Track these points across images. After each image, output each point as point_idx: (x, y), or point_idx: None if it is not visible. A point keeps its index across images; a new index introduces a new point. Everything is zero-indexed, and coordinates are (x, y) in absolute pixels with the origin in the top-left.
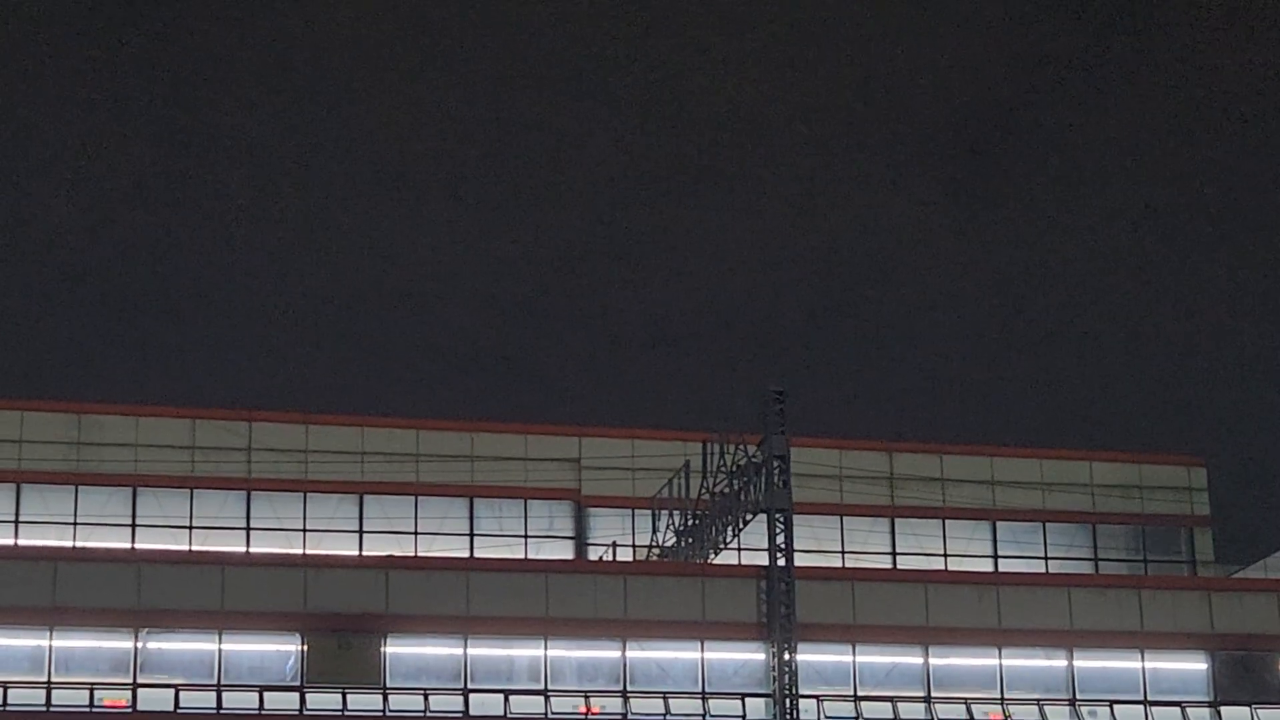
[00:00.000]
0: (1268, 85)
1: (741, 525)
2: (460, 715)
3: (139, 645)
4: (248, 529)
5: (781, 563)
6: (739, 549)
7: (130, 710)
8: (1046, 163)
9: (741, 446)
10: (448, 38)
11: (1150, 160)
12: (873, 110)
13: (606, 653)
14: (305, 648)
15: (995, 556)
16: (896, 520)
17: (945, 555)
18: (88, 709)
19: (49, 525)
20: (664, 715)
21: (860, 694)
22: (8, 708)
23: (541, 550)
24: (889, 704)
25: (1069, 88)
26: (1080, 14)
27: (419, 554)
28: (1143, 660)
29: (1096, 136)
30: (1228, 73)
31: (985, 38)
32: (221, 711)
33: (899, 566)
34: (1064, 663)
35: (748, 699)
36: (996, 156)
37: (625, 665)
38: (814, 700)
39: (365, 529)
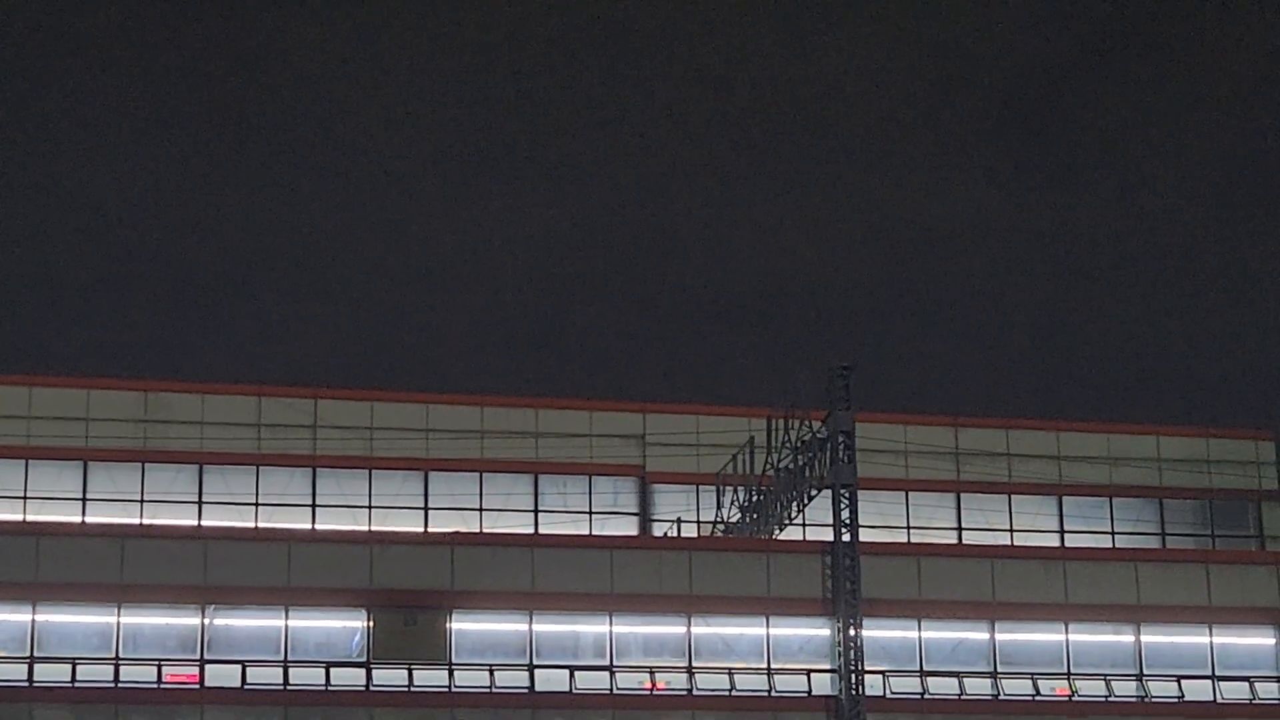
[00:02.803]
0: None
1: (806, 501)
2: (526, 690)
3: (206, 622)
4: (313, 506)
5: (846, 538)
6: (804, 525)
7: (198, 686)
8: (1110, 136)
9: (806, 422)
10: (501, 12)
11: (1215, 131)
12: (941, 79)
13: (671, 628)
14: (371, 624)
15: (1061, 531)
16: (962, 495)
17: (1011, 530)
18: (155, 685)
19: (116, 503)
20: (729, 690)
21: (926, 669)
22: (76, 684)
23: (606, 526)
24: (955, 680)
25: (1131, 61)
26: None
27: (484, 530)
28: (1210, 635)
29: (1159, 109)
30: None
31: (1045, 10)
32: (288, 688)
33: (964, 542)
34: (1131, 638)
35: (813, 674)
36: (1063, 127)
37: (690, 641)
38: (879, 676)
39: (430, 505)
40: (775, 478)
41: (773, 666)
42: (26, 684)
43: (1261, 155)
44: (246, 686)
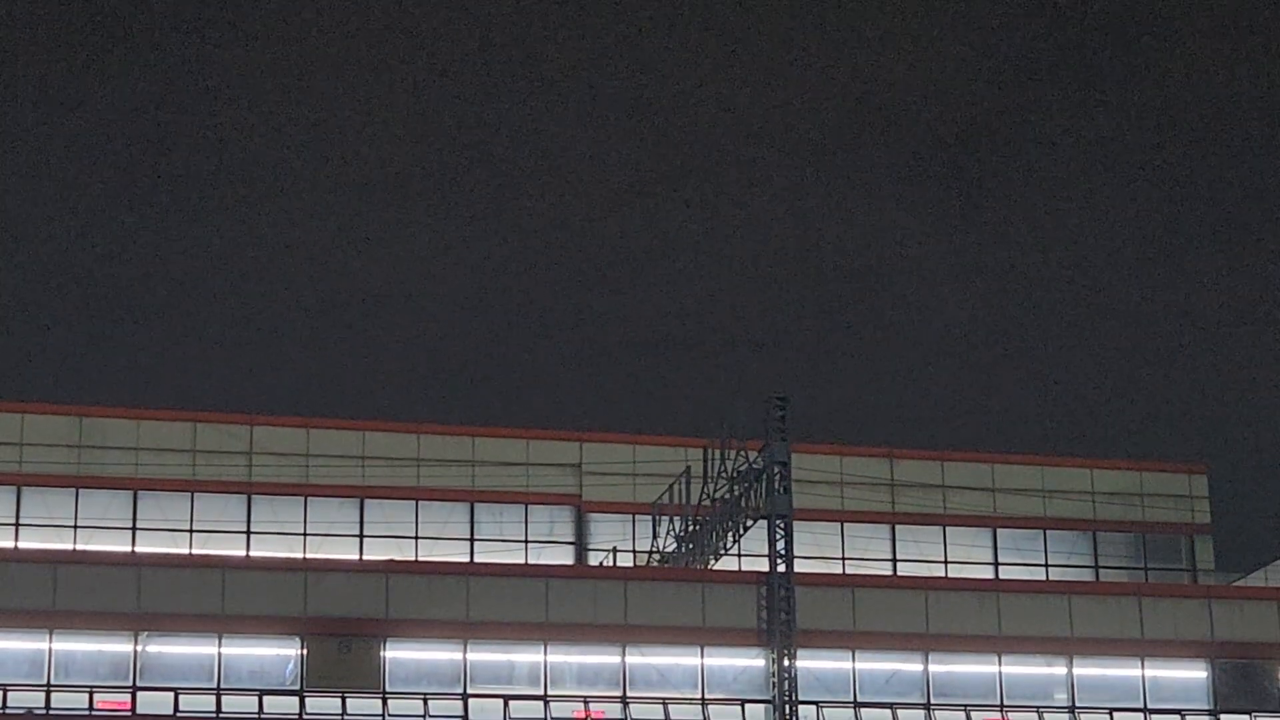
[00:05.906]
0: (1261, 92)
1: (742, 531)
2: (460, 719)
3: (139, 649)
4: (248, 533)
5: (782, 569)
6: (739, 555)
7: (130, 714)
8: (1047, 169)
9: (742, 452)
10: (434, 42)
11: (1149, 166)
12: (875, 116)
13: (606, 658)
14: (305, 652)
15: (996, 563)
16: (897, 527)
17: (946, 562)
18: (87, 712)
19: (49, 528)
20: None
21: (860, 701)
22: (7, 710)
23: (542, 555)
24: (888, 711)
25: (1067, 93)
26: (1071, 23)
27: (419, 558)
28: (1143, 668)
29: (1095, 143)
30: (1220, 81)
31: (983, 44)
32: (221, 715)
33: (899, 573)
34: (1064, 670)
35: (747, 705)
36: (998, 163)
37: (625, 670)
38: (813, 707)
39: (366, 533)
40: (711, 508)
41: (707, 697)
42: None
43: (1191, 194)
44: (179, 714)
